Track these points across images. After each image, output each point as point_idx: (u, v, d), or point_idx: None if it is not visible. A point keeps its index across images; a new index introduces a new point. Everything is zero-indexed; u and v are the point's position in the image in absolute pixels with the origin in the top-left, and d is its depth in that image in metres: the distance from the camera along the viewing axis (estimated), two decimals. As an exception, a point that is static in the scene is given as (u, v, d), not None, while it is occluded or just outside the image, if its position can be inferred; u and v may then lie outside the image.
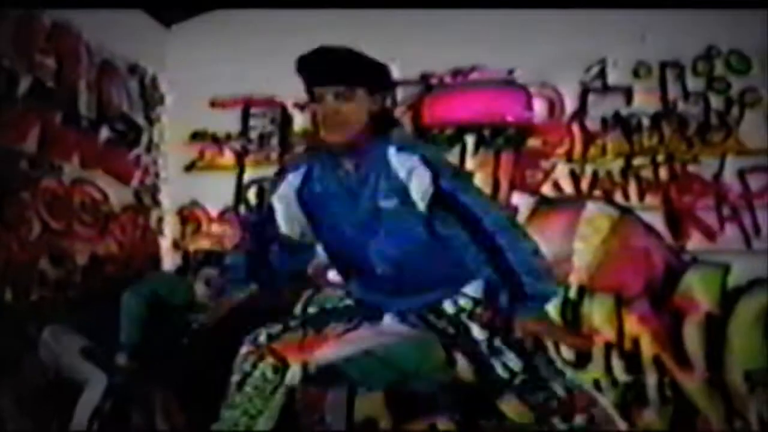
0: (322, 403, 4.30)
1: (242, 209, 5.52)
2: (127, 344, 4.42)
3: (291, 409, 2.99)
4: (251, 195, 5.53)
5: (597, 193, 5.33)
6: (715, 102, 5.24)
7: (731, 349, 5.07)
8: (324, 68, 2.75)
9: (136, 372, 4.45)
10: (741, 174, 5.28)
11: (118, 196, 5.49)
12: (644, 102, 5.31)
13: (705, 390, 5.04)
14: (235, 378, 2.87)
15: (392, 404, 4.99)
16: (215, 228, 5.51)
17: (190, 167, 5.66)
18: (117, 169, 5.52)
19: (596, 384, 5.08)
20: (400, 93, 5.44)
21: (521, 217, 5.26)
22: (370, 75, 2.81)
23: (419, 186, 2.74)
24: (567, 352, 5.10)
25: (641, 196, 5.31)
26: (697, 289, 5.15)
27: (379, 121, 2.82)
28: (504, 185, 5.33)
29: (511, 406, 2.84)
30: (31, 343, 4.98)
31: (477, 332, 2.84)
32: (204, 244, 5.38)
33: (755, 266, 5.14)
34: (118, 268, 5.32)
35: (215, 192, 5.57)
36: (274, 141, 5.65)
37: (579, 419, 2.78)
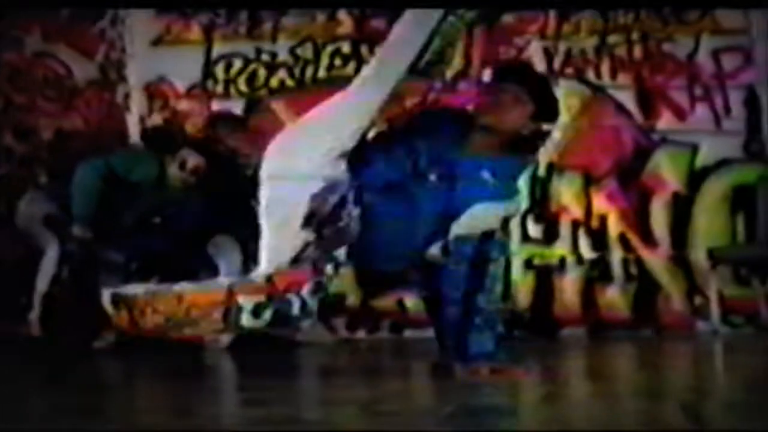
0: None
1: (210, 85, 5.43)
2: (79, 215, 4.43)
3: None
4: (219, 70, 5.44)
5: (569, 70, 5.28)
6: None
7: (696, 227, 5.14)
8: None
9: (90, 242, 4.48)
10: (715, 53, 5.24)
11: (82, 70, 5.39)
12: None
13: (668, 267, 5.13)
14: None
15: (361, 280, 5.05)
16: (183, 104, 5.43)
17: (156, 42, 5.52)
18: (81, 42, 5.40)
19: (562, 261, 5.16)
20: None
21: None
22: None
23: None
24: (532, 229, 5.17)
25: (614, 75, 5.26)
26: (666, 169, 5.17)
27: None
28: (476, 61, 5.25)
29: None
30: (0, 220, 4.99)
31: None
32: (160, 120, 5.32)
33: (724, 146, 5.17)
34: (85, 144, 5.26)
35: (182, 67, 5.45)
36: (243, 15, 5.51)
37: None
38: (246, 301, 3.49)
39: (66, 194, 4.47)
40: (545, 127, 3.12)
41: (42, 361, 4.11)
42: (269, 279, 3.10)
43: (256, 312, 3.49)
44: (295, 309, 3.06)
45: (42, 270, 4.52)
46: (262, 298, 3.68)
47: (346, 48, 5.34)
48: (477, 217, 3.02)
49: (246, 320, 3.80)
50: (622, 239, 5.15)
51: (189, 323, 3.08)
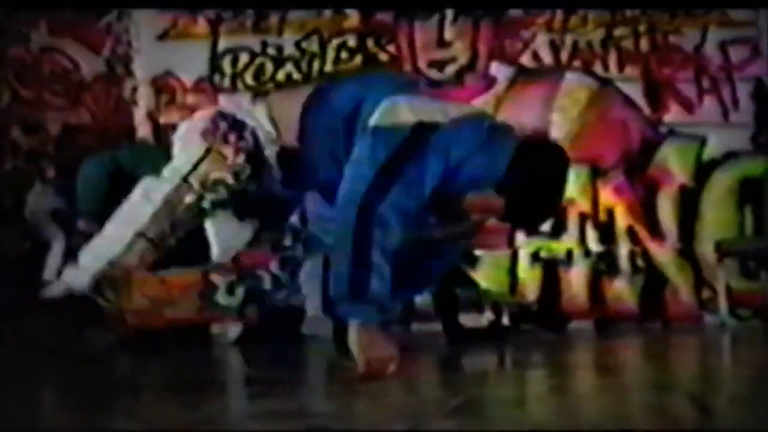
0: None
1: (217, 78, 5.44)
2: (84, 211, 4.43)
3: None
4: (226, 64, 5.44)
5: (576, 63, 5.27)
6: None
7: (703, 220, 5.13)
8: None
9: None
10: (722, 46, 5.23)
11: (89, 65, 5.41)
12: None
13: (675, 260, 5.13)
14: None
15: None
16: (190, 98, 5.43)
17: (163, 36, 5.53)
18: (87, 37, 5.41)
19: (569, 254, 5.16)
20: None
21: (500, 87, 5.22)
22: None
23: None
24: (542, 223, 5.15)
25: (621, 67, 5.25)
26: (673, 161, 5.17)
27: None
28: (483, 55, 5.25)
29: None
30: (6, 215, 5.00)
31: None
32: (175, 116, 5.31)
33: (731, 139, 5.16)
34: (92, 138, 5.28)
35: (189, 61, 5.46)
36: (249, 9, 5.51)
37: None
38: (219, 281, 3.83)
39: (73, 188, 4.48)
40: None
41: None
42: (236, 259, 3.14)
43: (230, 289, 3.83)
44: (267, 284, 3.14)
45: (48, 264, 4.53)
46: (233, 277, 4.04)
47: (352, 42, 5.34)
48: None
49: (221, 298, 4.18)
50: (630, 232, 5.15)
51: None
